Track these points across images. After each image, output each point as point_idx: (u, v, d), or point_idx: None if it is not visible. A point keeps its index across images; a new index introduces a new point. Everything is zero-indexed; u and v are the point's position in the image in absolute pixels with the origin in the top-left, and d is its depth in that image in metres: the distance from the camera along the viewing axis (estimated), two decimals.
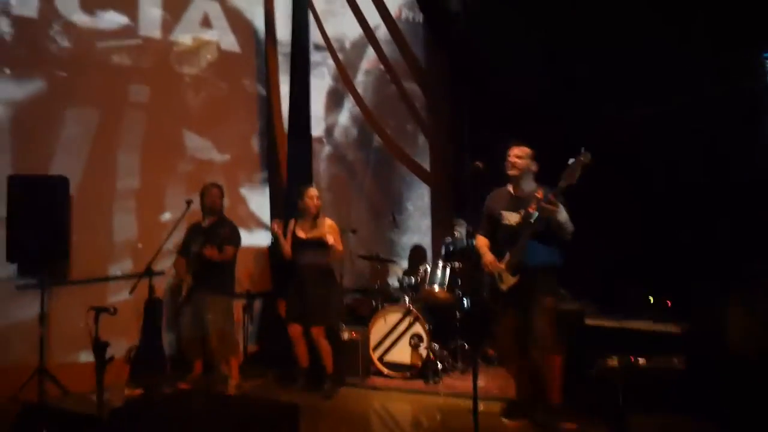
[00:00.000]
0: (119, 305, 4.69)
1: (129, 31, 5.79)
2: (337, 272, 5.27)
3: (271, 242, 6.02)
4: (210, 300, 4.95)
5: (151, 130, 5.82)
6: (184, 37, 6.10)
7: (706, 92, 4.34)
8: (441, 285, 5.43)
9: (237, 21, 6.46)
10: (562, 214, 3.63)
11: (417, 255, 6.97)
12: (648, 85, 4.82)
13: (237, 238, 5.11)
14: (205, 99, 6.21)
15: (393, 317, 5.39)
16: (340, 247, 4.97)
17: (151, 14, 5.91)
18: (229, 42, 6.40)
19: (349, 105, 7.17)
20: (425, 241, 7.36)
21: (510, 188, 3.97)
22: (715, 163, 4.58)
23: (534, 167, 3.92)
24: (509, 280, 3.83)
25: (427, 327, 5.22)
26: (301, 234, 5.01)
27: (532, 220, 3.67)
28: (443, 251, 6.03)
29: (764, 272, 4.36)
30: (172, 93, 6.03)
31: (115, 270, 5.53)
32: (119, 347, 5.26)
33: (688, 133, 4.70)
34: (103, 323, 4.43)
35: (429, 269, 5.56)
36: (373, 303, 5.86)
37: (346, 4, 6.84)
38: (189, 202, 5.04)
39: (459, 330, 5.45)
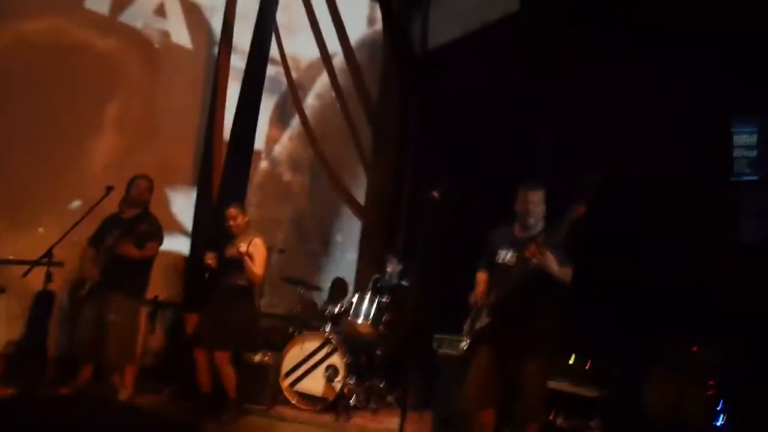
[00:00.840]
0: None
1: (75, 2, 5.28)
2: (256, 294, 4.81)
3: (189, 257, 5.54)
4: (115, 299, 4.35)
5: (74, 109, 5.25)
6: (133, 20, 5.63)
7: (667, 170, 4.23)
8: (366, 318, 5.09)
9: (194, 16, 6.06)
10: (551, 264, 3.20)
11: (339, 287, 6.60)
12: (607, 153, 4.69)
13: (160, 236, 4.58)
14: (143, 88, 5.71)
15: (311, 345, 4.97)
16: (256, 269, 4.43)
17: None
18: (182, 36, 5.97)
19: (294, 125, 6.84)
20: (349, 275, 7.01)
21: (516, 227, 3.54)
22: (656, 239, 4.51)
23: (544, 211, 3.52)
24: (483, 320, 3.43)
25: (345, 359, 4.84)
26: (226, 252, 4.55)
27: (527, 266, 3.26)
28: (371, 286, 5.72)
29: (683, 348, 4.36)
30: (107, 73, 5.50)
31: (9, 255, 4.81)
32: None
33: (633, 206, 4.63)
34: None
35: (355, 301, 5.21)
36: (290, 329, 5.42)
37: (308, 25, 6.63)
38: (109, 189, 4.46)
39: (377, 368, 5.10)
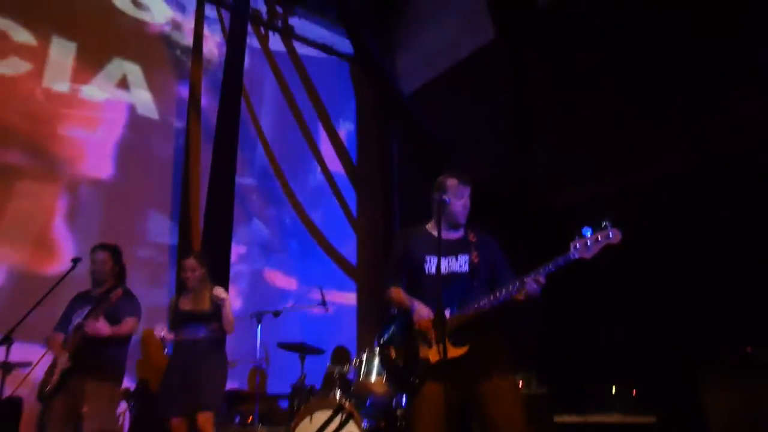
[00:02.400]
0: None
1: (33, 80, 4.88)
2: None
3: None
4: (88, 388, 3.59)
5: (38, 190, 4.74)
6: (95, 94, 5.22)
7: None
8: (378, 374, 4.38)
9: (158, 86, 5.67)
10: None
11: (340, 357, 5.88)
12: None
13: (137, 311, 3.89)
14: (112, 163, 5.23)
15: (321, 415, 4.20)
16: (230, 316, 3.98)
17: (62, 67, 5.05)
18: (147, 106, 5.56)
19: (276, 187, 6.34)
20: (348, 341, 6.28)
21: (430, 228, 2.85)
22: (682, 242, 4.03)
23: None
24: (450, 351, 2.51)
25: (363, 426, 4.09)
26: (184, 306, 3.98)
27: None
28: (377, 340, 5.02)
29: (737, 351, 3.80)
30: (74, 152, 5.02)
31: None
32: None
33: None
34: None
35: (364, 359, 4.51)
36: (295, 404, 4.65)
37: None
38: (75, 261, 3.81)
39: (400, 429, 4.33)
